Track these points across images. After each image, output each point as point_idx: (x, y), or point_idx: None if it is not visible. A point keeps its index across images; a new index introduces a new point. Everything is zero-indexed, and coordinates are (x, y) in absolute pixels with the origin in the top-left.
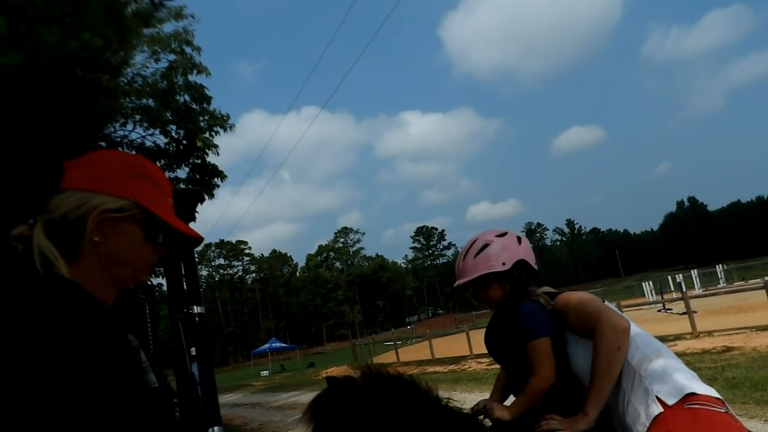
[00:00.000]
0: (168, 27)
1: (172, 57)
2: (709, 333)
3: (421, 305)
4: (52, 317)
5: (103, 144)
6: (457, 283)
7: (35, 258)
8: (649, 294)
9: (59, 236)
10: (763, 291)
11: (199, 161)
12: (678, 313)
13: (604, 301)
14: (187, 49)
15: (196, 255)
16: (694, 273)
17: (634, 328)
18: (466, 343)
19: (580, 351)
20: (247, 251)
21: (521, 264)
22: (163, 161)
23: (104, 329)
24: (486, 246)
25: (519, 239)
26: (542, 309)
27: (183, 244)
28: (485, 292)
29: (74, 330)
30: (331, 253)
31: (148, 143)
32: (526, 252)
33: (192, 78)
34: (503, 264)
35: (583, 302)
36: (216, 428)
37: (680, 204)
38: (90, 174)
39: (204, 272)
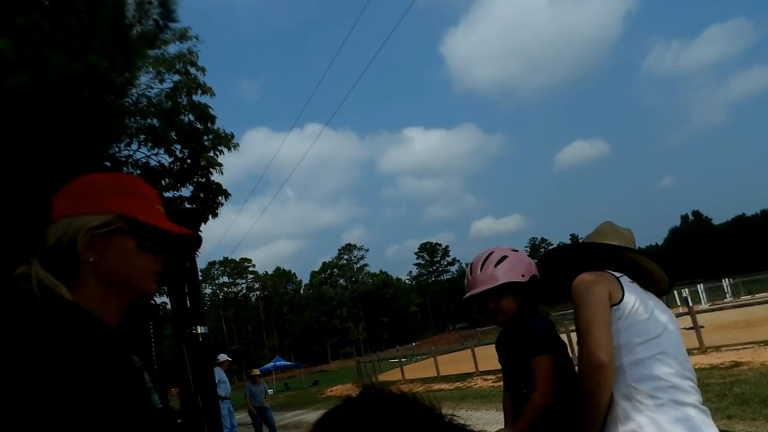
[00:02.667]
0: (173, 48)
1: (176, 77)
2: (717, 348)
3: (425, 322)
4: (55, 340)
5: (108, 164)
6: (474, 291)
7: (34, 289)
8: None
9: (55, 264)
10: None
11: (203, 180)
12: (685, 328)
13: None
14: (192, 70)
15: (200, 273)
16: (700, 287)
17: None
18: (472, 361)
19: None
20: (251, 269)
21: (535, 279)
22: (167, 180)
23: (107, 350)
24: (505, 258)
25: (529, 257)
26: (551, 327)
27: (183, 247)
28: (498, 302)
29: (77, 352)
30: (335, 270)
31: (153, 162)
32: (536, 270)
33: (196, 98)
34: (522, 276)
35: (579, 305)
36: None
37: (685, 218)
38: (72, 199)
39: (208, 290)
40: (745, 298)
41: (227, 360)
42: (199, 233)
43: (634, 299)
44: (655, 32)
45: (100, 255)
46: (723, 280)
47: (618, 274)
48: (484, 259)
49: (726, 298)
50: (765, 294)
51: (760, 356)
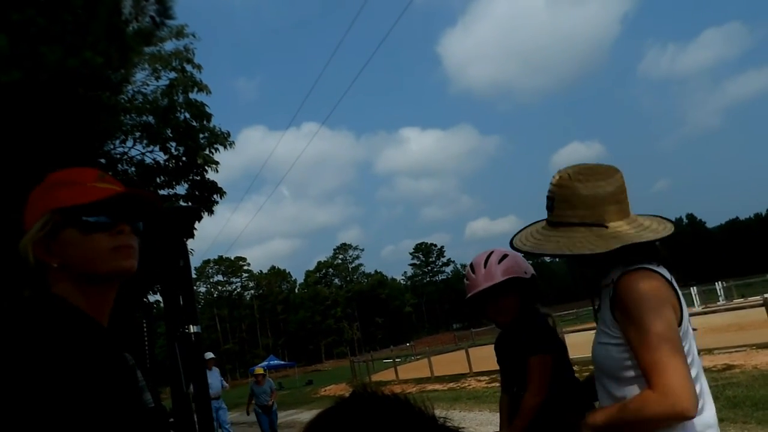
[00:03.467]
0: (169, 45)
1: (172, 75)
2: (710, 351)
3: (420, 322)
4: (46, 338)
5: (103, 161)
6: (480, 288)
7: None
8: None
9: (32, 283)
10: (763, 308)
11: (198, 178)
12: None
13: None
14: (188, 67)
15: (194, 272)
16: (693, 290)
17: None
18: (466, 361)
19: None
20: (245, 268)
21: (535, 278)
22: (162, 178)
23: (99, 348)
24: (506, 256)
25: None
26: (551, 328)
27: (138, 206)
28: (503, 300)
29: (68, 350)
30: (330, 269)
31: (148, 160)
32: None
33: (192, 95)
34: (525, 272)
35: (643, 330)
36: None
37: (679, 221)
38: (25, 221)
39: (202, 289)
40: (737, 301)
41: (209, 359)
42: (126, 189)
43: (687, 315)
44: (651, 35)
45: (60, 257)
46: (716, 283)
47: (668, 276)
48: (486, 258)
49: (719, 301)
50: (757, 297)
51: (752, 359)
